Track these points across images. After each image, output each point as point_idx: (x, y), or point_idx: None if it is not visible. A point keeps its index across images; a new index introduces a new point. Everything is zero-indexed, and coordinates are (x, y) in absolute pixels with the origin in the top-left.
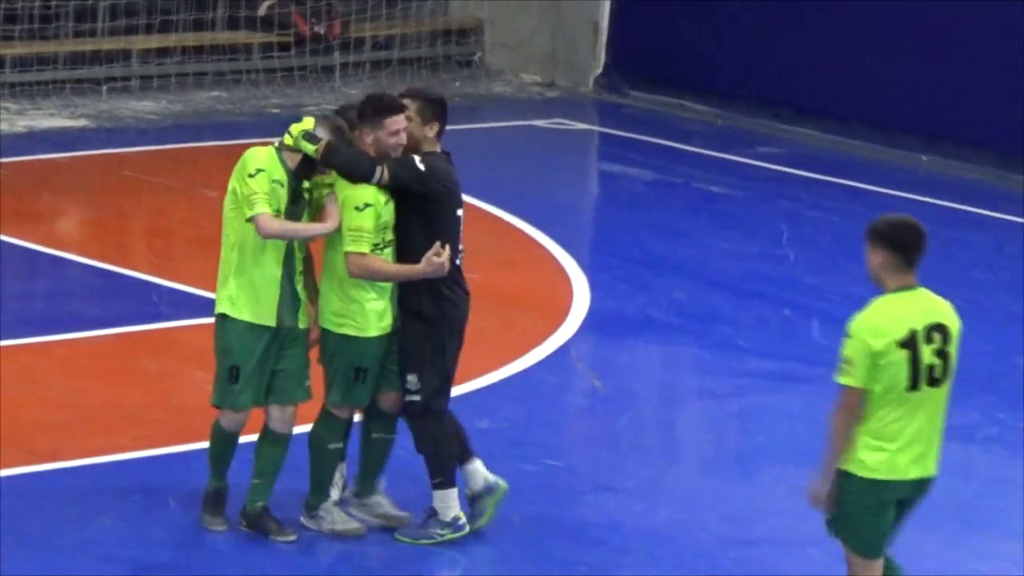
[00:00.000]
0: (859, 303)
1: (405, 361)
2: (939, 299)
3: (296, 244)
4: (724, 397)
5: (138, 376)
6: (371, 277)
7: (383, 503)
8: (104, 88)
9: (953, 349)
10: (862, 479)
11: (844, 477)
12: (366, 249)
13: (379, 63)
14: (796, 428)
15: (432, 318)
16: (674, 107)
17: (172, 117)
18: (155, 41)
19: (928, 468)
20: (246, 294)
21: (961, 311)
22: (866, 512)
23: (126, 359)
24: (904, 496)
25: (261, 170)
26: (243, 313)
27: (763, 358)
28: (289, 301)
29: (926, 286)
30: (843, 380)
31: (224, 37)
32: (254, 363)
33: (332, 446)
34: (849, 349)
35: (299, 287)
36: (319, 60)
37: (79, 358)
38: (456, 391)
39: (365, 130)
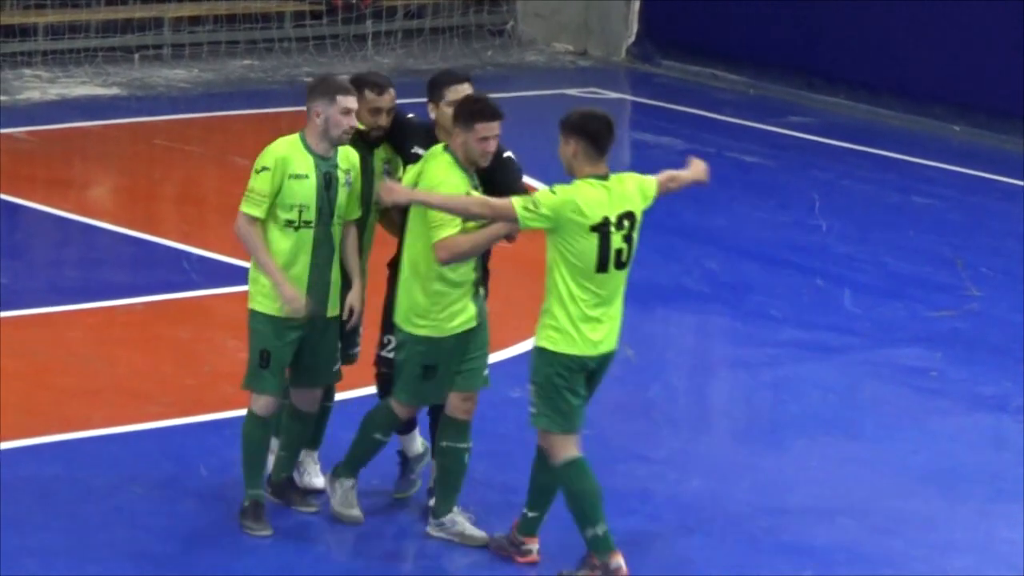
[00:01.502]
0: (893, 273)
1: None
2: (629, 183)
3: (327, 231)
4: (756, 367)
5: (169, 344)
6: (462, 255)
7: (459, 521)
8: (136, 56)
9: (637, 234)
10: (556, 354)
11: (539, 353)
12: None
13: (411, 32)
14: (828, 398)
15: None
16: (706, 76)
17: (204, 85)
18: (187, 9)
19: (612, 343)
20: (272, 288)
21: (993, 281)
22: (562, 386)
23: (157, 327)
24: (593, 369)
25: (267, 168)
26: (270, 308)
27: (795, 328)
28: (318, 290)
29: (959, 257)
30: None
31: (256, 6)
32: (285, 351)
33: (378, 436)
34: (550, 200)
35: (334, 274)
36: (351, 29)
37: (110, 326)
38: (489, 360)
39: (457, 130)
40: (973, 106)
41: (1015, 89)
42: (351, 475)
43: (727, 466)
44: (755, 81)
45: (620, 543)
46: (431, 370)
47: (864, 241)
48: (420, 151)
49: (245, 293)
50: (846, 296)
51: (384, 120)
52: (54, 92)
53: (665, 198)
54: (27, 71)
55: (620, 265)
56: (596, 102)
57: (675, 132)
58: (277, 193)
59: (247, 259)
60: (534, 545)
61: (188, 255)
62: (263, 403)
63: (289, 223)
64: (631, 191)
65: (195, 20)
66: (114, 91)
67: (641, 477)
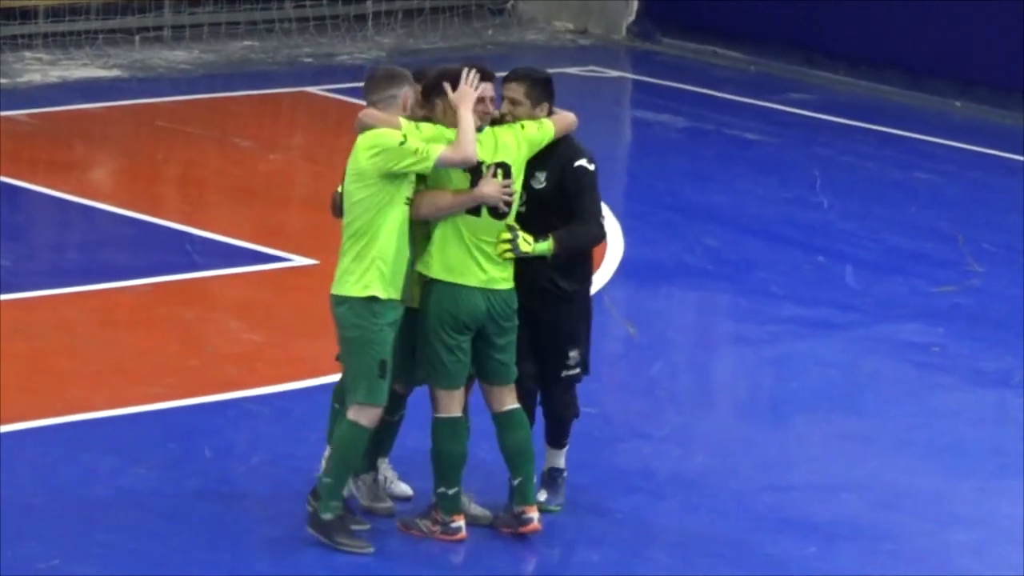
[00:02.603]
0: (894, 249)
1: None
2: (507, 136)
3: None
4: (758, 343)
5: (172, 325)
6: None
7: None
8: (137, 38)
9: (517, 185)
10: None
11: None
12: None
13: (411, 12)
14: (830, 374)
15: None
16: (706, 54)
17: (204, 67)
18: None
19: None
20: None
21: (994, 257)
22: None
23: (160, 308)
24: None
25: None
26: (389, 293)
27: (797, 304)
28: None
29: (960, 232)
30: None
31: None
32: (393, 351)
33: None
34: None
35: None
36: (351, 9)
37: (113, 308)
38: None
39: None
40: (974, 81)
41: (1016, 64)
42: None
43: (730, 443)
44: (755, 58)
45: (624, 521)
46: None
47: (865, 217)
48: None
49: (247, 274)
50: (847, 272)
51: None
52: (55, 74)
53: (667, 176)
54: (28, 53)
55: (497, 215)
56: (597, 81)
57: (675, 110)
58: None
59: (250, 240)
60: (534, 514)
61: (190, 236)
62: (373, 414)
63: (409, 200)
64: (508, 142)
65: (195, 1)
66: (115, 73)
67: (644, 455)
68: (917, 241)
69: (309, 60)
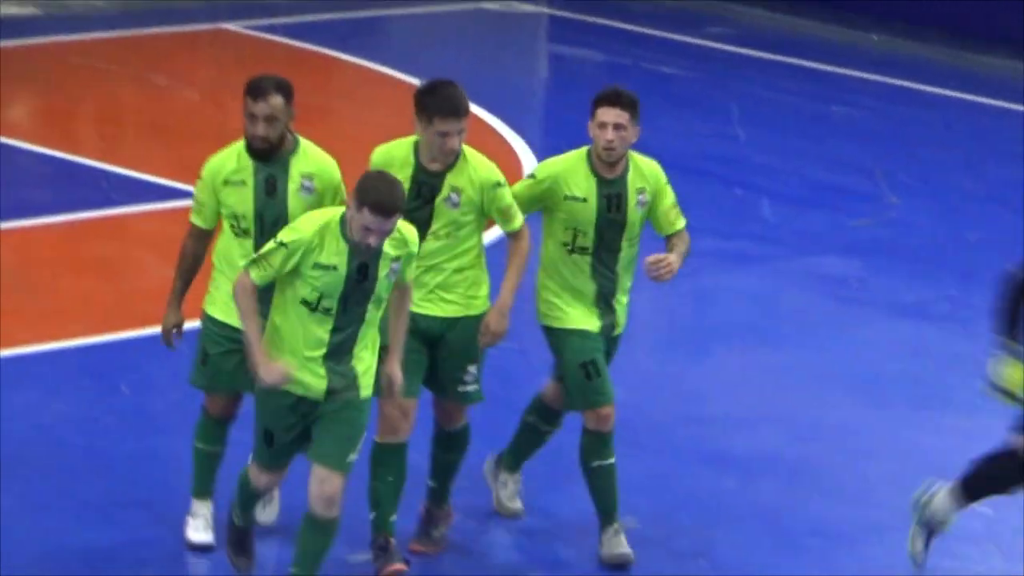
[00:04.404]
0: (813, 182)
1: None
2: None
3: None
4: (677, 277)
5: (90, 262)
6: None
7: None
8: None
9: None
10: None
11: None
12: None
13: None
14: (749, 308)
15: None
16: None
17: (121, 4)
18: None
19: None
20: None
21: (912, 189)
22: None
23: (78, 245)
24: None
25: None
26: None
27: (716, 238)
28: None
29: (876, 165)
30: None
31: None
32: None
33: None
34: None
35: None
36: None
37: (30, 245)
38: None
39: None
40: (890, 14)
41: None
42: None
43: (649, 376)
44: None
45: (545, 455)
46: None
47: (784, 151)
48: None
49: (163, 211)
50: (766, 206)
51: (262, 129)
52: None
53: (584, 111)
54: None
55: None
56: (515, 16)
57: (593, 44)
58: None
59: (166, 176)
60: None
61: (107, 173)
62: None
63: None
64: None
65: None
66: (30, 11)
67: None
68: (835, 174)
69: None
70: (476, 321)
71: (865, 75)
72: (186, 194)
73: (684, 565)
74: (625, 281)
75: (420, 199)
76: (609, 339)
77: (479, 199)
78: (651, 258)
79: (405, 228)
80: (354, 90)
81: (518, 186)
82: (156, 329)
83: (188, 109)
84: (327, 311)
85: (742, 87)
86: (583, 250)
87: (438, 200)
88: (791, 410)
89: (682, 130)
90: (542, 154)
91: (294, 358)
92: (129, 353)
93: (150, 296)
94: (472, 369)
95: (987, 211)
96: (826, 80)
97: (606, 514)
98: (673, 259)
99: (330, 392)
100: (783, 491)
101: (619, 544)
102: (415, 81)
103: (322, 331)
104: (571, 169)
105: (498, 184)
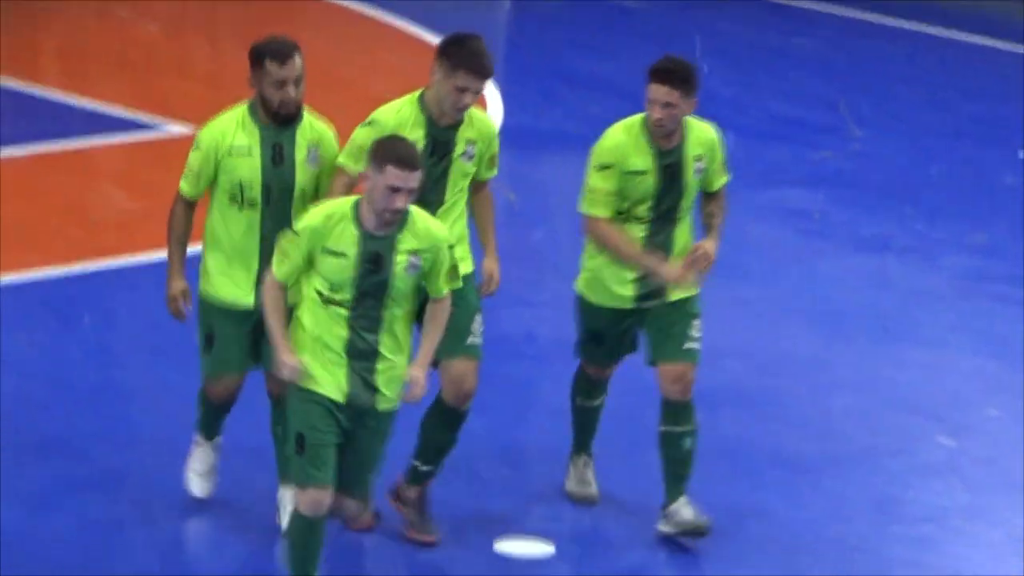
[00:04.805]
0: (775, 115)
1: None
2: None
3: None
4: None
5: (52, 194)
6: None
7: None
8: None
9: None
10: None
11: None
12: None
13: None
14: None
15: None
16: None
17: None
18: None
19: None
20: None
21: (876, 123)
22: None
23: (40, 178)
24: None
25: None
26: None
27: None
28: None
29: (839, 98)
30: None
31: None
32: None
33: (579, 401)
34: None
35: None
36: None
37: None
38: None
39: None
40: None
41: None
42: (581, 452)
43: None
44: None
45: (509, 386)
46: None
47: (746, 84)
48: None
49: (126, 143)
50: (730, 139)
51: (294, 92)
52: None
53: (547, 45)
54: None
55: None
56: None
57: None
58: None
59: (129, 108)
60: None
61: (69, 106)
62: None
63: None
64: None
65: None
66: None
67: (526, 320)
68: (798, 107)
69: None
70: (470, 277)
71: (827, 8)
72: (147, 126)
73: (646, 496)
74: (680, 239)
75: (435, 156)
76: (668, 304)
77: (484, 150)
78: (688, 259)
79: (430, 221)
80: (322, 26)
81: (595, 180)
82: (119, 261)
83: (149, 41)
84: (342, 304)
85: (704, 19)
86: (638, 219)
87: (455, 155)
88: (754, 343)
89: (645, 63)
90: (504, 85)
91: (314, 357)
92: (92, 286)
93: (112, 229)
94: (478, 318)
95: (951, 145)
96: (788, 12)
97: (579, 445)
98: (709, 246)
99: (350, 403)
100: (746, 423)
101: (588, 482)
102: (374, 15)
103: (340, 327)
104: (629, 144)
105: (496, 133)
